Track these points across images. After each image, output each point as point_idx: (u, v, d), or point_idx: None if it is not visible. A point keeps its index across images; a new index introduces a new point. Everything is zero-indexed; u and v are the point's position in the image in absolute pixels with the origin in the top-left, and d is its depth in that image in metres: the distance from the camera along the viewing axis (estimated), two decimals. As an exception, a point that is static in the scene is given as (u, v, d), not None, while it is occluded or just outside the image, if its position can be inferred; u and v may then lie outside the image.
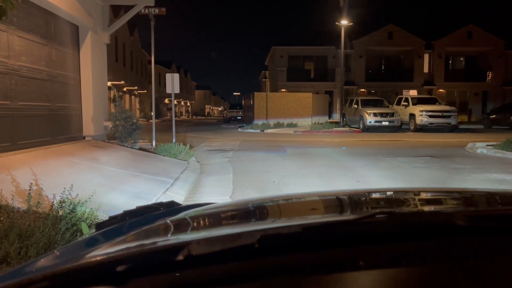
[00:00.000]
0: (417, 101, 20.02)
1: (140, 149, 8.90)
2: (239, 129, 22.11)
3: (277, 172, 7.23)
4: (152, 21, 9.85)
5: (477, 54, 32.27)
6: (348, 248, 0.66)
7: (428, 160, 8.75)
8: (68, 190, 3.51)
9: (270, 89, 33.48)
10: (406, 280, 0.62)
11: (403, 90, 30.32)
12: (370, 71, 31.89)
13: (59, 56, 8.20)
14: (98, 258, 0.73)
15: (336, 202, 1.22)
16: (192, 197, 5.50)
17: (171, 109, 39.80)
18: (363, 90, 31.58)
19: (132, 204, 3.48)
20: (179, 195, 5.29)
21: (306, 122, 23.12)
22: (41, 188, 3.89)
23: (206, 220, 1.13)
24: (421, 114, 18.43)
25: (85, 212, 3.38)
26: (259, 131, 20.12)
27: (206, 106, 79.60)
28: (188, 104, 63.45)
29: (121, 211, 1.18)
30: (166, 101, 45.87)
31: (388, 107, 20.30)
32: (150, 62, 16.75)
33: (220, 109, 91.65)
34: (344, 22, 21.62)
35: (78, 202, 3.49)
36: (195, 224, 1.06)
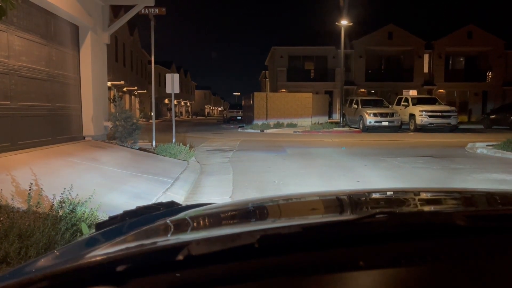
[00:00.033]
0: (417, 101, 20.02)
1: (140, 149, 8.90)
2: (239, 129, 22.11)
3: (277, 172, 7.23)
4: (152, 21, 9.85)
5: (477, 54, 32.27)
6: (348, 248, 0.66)
7: (428, 160, 8.75)
8: (68, 190, 3.51)
9: (270, 89, 33.49)
10: (406, 280, 0.62)
11: (403, 90, 30.32)
12: (370, 71, 31.89)
13: (59, 56, 8.20)
14: (98, 258, 0.73)
15: (336, 202, 1.22)
16: (192, 197, 5.50)
17: (171, 109, 39.80)
18: (363, 90, 31.59)
19: (132, 204, 3.48)
20: (179, 195, 5.29)
21: (306, 122, 23.12)
22: (41, 188, 3.89)
23: (206, 220, 1.13)
24: (421, 114, 18.43)
25: (85, 212, 3.38)
26: (259, 131, 20.12)
27: (206, 106, 79.61)
28: (188, 104, 63.45)
29: (121, 211, 1.18)
30: (166, 101, 45.87)
31: (388, 107, 20.30)
32: (150, 62, 16.75)
33: (220, 109, 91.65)
34: (344, 22, 21.62)
35: (78, 202, 3.49)
36: (195, 224, 1.06)
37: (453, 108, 19.55)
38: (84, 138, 9.11)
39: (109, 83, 14.15)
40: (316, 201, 1.31)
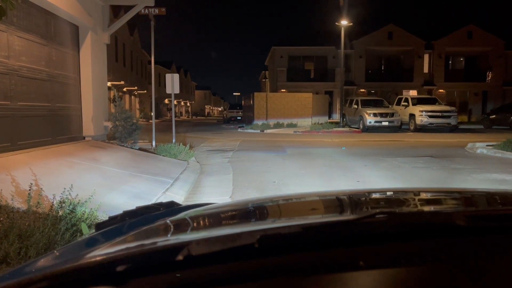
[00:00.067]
0: (417, 101, 20.01)
1: (140, 149, 8.90)
2: (239, 129, 22.11)
3: (277, 172, 7.23)
4: (152, 21, 9.85)
5: (477, 54, 32.27)
6: (348, 248, 0.66)
7: (428, 160, 8.75)
8: (68, 190, 3.51)
9: (270, 89, 33.49)
10: (406, 280, 0.62)
11: (403, 90, 30.33)
12: (370, 71, 31.90)
13: (59, 56, 8.20)
14: (98, 258, 0.73)
15: (336, 202, 1.22)
16: (192, 197, 5.50)
17: (171, 109, 39.80)
18: (363, 90, 31.59)
19: (132, 204, 3.48)
20: (179, 195, 5.29)
21: (306, 122, 23.12)
22: (41, 189, 3.89)
23: (206, 220, 1.13)
24: (421, 114, 18.43)
25: (85, 212, 3.38)
26: (259, 131, 20.12)
27: (206, 106, 79.61)
28: (188, 104, 63.45)
29: (121, 212, 1.18)
30: (166, 101, 45.88)
31: (388, 107, 20.30)
32: (150, 62, 16.75)
33: (220, 109, 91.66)
34: (344, 22, 21.62)
35: (78, 203, 3.49)
36: (195, 224, 1.06)
37: (453, 108, 19.55)
38: (84, 138, 9.11)
39: (109, 83, 14.15)
40: (316, 201, 1.31)
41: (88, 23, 8.90)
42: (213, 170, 7.64)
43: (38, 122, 7.41)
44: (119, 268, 0.64)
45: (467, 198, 1.22)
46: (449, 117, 18.45)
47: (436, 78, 31.72)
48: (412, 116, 18.97)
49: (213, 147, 12.27)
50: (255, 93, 24.45)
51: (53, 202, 3.42)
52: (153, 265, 0.65)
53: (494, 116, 21.61)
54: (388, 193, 1.39)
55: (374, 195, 1.31)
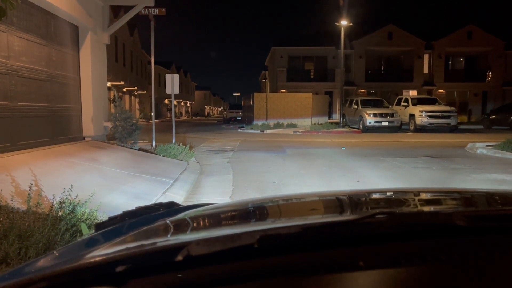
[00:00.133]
0: (417, 101, 20.02)
1: (140, 149, 8.90)
2: (239, 130, 22.11)
3: (277, 173, 7.23)
4: (152, 22, 9.85)
5: (477, 55, 32.28)
6: (348, 248, 0.66)
7: (428, 160, 8.75)
8: (67, 191, 3.51)
9: (270, 89, 33.49)
10: (406, 280, 0.62)
11: (403, 91, 30.34)
12: (370, 72, 31.90)
13: (59, 57, 8.20)
14: (98, 258, 0.73)
15: (336, 203, 1.22)
16: (192, 197, 5.50)
17: (171, 109, 39.81)
18: (363, 90, 31.59)
19: (131, 204, 3.48)
20: (178, 196, 5.29)
21: (306, 122, 23.12)
22: (41, 189, 3.89)
23: (206, 220, 1.13)
24: (421, 114, 18.44)
25: (84, 212, 3.38)
26: (259, 131, 20.12)
27: (206, 106, 79.61)
28: (188, 104, 63.46)
29: (120, 212, 1.18)
30: (166, 101, 45.88)
31: (388, 107, 20.30)
32: (150, 62, 16.76)
33: (220, 109, 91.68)
34: (344, 23, 21.63)
35: (78, 203, 3.49)
36: (195, 224, 1.05)
37: (453, 108, 19.56)
38: (84, 138, 9.11)
39: (109, 84, 14.16)
40: (316, 202, 1.31)
41: (88, 24, 8.90)
42: (213, 171, 7.64)
43: (38, 123, 7.40)
44: (119, 269, 0.64)
45: (467, 198, 1.22)
46: (449, 117, 18.45)
47: (436, 78, 31.73)
48: (412, 116, 18.98)
49: (213, 147, 12.27)
50: (255, 93, 24.45)
51: (53, 203, 3.42)
52: (153, 266, 0.65)
53: (494, 116, 21.62)
54: (388, 193, 1.39)
55: (374, 195, 1.31)
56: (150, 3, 9.59)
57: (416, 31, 31.29)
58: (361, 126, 19.37)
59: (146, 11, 9.67)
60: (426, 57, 32.06)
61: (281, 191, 5.75)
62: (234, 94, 73.12)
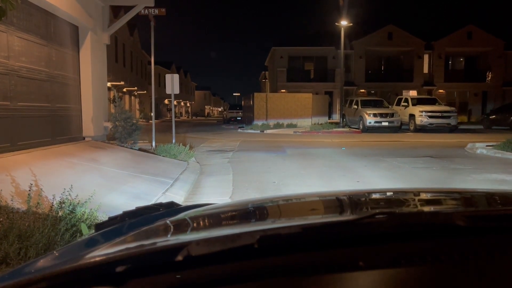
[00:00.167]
0: (417, 101, 20.02)
1: (140, 149, 8.90)
2: (239, 130, 22.11)
3: (277, 173, 7.23)
4: (152, 22, 9.85)
5: (477, 55, 32.29)
6: (348, 248, 0.66)
7: (428, 160, 8.75)
8: (67, 191, 3.51)
9: (270, 89, 33.49)
10: (406, 280, 0.62)
11: (403, 91, 30.34)
12: (370, 72, 31.90)
13: (59, 57, 8.20)
14: (98, 258, 0.73)
15: (336, 203, 1.22)
16: (192, 197, 5.49)
17: (171, 109, 39.81)
18: (363, 90, 31.60)
19: (131, 204, 3.48)
20: (178, 196, 5.29)
21: (306, 122, 23.12)
22: (41, 189, 3.89)
23: (206, 220, 1.13)
24: (421, 114, 18.44)
25: (84, 212, 3.38)
26: (259, 131, 20.12)
27: (206, 106, 79.62)
28: (188, 104, 63.46)
29: (120, 212, 1.18)
30: (166, 101, 45.89)
31: (388, 107, 20.30)
32: (150, 62, 16.77)
33: (220, 109, 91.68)
34: (344, 23, 21.63)
35: (78, 203, 3.49)
36: (194, 224, 1.05)
37: (453, 108, 19.56)
38: (84, 138, 9.11)
39: (109, 84, 14.16)
40: (316, 202, 1.31)
41: (88, 24, 8.90)
42: (213, 171, 7.64)
43: (38, 123, 7.40)
44: (119, 269, 0.64)
45: (467, 198, 1.22)
46: (449, 117, 18.45)
47: (436, 79, 31.74)
48: (412, 116, 18.98)
49: (213, 147, 12.27)
50: (255, 94, 24.45)
51: (53, 203, 3.42)
52: (153, 266, 0.65)
53: (494, 116, 21.62)
54: (388, 193, 1.39)
55: (374, 196, 1.31)
56: (150, 3, 9.59)
57: (416, 31, 31.29)
58: (361, 126, 19.37)
59: (146, 11, 9.67)
60: (426, 57, 32.06)
61: (281, 191, 5.75)
62: (234, 94, 73.18)
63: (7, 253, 2.55)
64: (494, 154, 9.69)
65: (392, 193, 1.39)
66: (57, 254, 0.93)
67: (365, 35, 30.89)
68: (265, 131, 19.94)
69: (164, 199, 4.71)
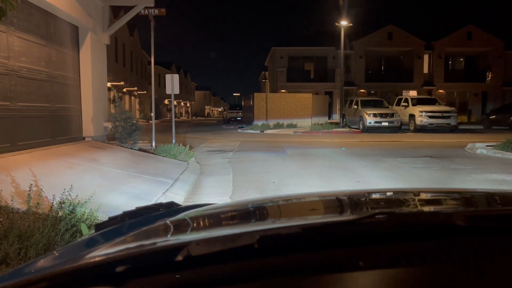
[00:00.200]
0: (417, 101, 20.02)
1: (140, 150, 8.90)
2: (239, 130, 22.12)
3: (277, 173, 7.23)
4: (152, 22, 9.85)
5: (477, 55, 32.30)
6: (348, 248, 0.66)
7: (428, 160, 8.75)
8: (67, 191, 3.51)
9: (270, 89, 33.49)
10: (406, 280, 0.62)
11: (403, 91, 30.34)
12: (370, 72, 31.91)
13: (58, 57, 8.20)
14: (98, 258, 0.73)
15: (336, 203, 1.22)
16: (192, 197, 5.49)
17: (170, 110, 39.81)
18: (363, 90, 31.60)
19: (131, 205, 3.48)
20: (178, 196, 5.29)
21: (306, 122, 23.12)
22: (41, 189, 3.89)
23: (206, 220, 1.12)
24: (421, 114, 18.44)
25: (84, 213, 3.38)
26: (259, 131, 20.12)
27: (206, 106, 79.62)
28: (188, 105, 63.46)
29: (120, 212, 1.18)
30: (166, 102, 45.89)
31: (388, 107, 20.31)
32: (150, 62, 16.76)
33: (220, 109, 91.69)
34: (344, 23, 21.63)
35: (78, 203, 3.49)
36: (194, 224, 1.05)
37: (452, 108, 19.56)
38: (84, 138, 9.11)
39: (109, 84, 14.16)
40: (316, 202, 1.31)
41: (88, 24, 8.90)
42: (213, 171, 7.64)
43: (38, 123, 7.40)
44: (119, 269, 0.64)
45: (467, 198, 1.22)
46: (449, 117, 18.45)
47: (436, 79, 31.74)
48: (412, 116, 18.98)
49: (213, 147, 12.27)
50: (255, 94, 24.45)
51: (53, 203, 3.42)
52: (153, 266, 0.65)
53: (493, 116, 21.63)
54: (388, 194, 1.39)
55: (374, 196, 1.31)
56: (150, 3, 9.59)
57: (416, 31, 31.30)
58: (361, 126, 19.37)
59: (146, 11, 9.67)
60: (426, 57, 32.06)
61: (281, 191, 5.75)
62: (234, 94, 73.15)
63: (7, 253, 2.55)
64: (494, 154, 9.68)
65: (392, 193, 1.39)
66: (57, 254, 0.93)
67: (365, 35, 30.89)
68: (265, 131, 19.94)
69: (164, 199, 4.71)
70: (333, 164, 8.26)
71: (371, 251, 0.65)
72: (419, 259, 0.63)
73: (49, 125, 7.77)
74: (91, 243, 0.98)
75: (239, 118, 32.35)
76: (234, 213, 1.20)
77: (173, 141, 10.11)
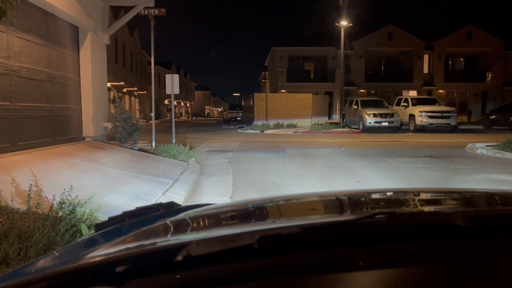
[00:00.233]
0: (417, 101, 20.02)
1: (140, 150, 8.90)
2: (239, 130, 22.12)
3: (277, 173, 7.23)
4: (152, 22, 9.85)
5: (477, 55, 32.29)
6: (348, 248, 0.66)
7: (428, 160, 8.75)
8: (67, 191, 3.51)
9: (270, 90, 33.50)
10: (406, 280, 0.62)
11: (403, 91, 30.34)
12: (370, 72, 31.91)
13: (58, 57, 8.20)
14: (97, 258, 0.73)
15: (336, 203, 1.22)
16: (192, 197, 5.49)
17: (170, 110, 39.81)
18: (363, 90, 31.60)
19: (131, 205, 3.48)
20: (178, 196, 5.29)
21: (306, 122, 23.12)
22: (41, 189, 3.89)
23: (206, 220, 1.12)
24: (421, 114, 18.44)
25: (84, 213, 3.38)
26: (259, 131, 20.12)
27: (206, 107, 79.62)
28: (188, 105, 63.46)
29: (120, 212, 1.18)
30: (166, 102, 45.89)
31: (388, 107, 20.31)
32: (150, 63, 16.77)
33: (220, 110, 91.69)
34: (344, 23, 21.63)
35: (78, 203, 3.49)
36: (194, 224, 1.05)
37: (452, 108, 19.56)
38: (84, 139, 9.11)
39: (109, 84, 14.16)
40: (316, 202, 1.31)
41: (88, 24, 8.90)
42: (213, 171, 7.64)
43: (38, 123, 7.40)
44: (119, 269, 0.64)
45: (467, 198, 1.22)
46: (449, 117, 18.46)
47: (436, 79, 31.74)
48: (412, 116, 18.98)
49: (213, 147, 12.27)
50: (255, 94, 24.45)
51: (53, 203, 3.42)
52: (153, 266, 0.65)
53: (493, 116, 21.63)
54: (388, 194, 1.39)
55: (374, 196, 1.31)
56: (150, 3, 9.59)
57: (416, 31, 31.30)
58: (361, 127, 19.37)
59: (146, 11, 9.67)
60: (426, 57, 32.07)
61: (281, 191, 5.75)
62: (234, 94, 73.16)
63: (7, 254, 2.55)
64: (494, 154, 9.68)
65: (392, 193, 1.39)
66: (57, 254, 0.93)
67: (365, 35, 30.89)
68: (265, 131, 19.94)
69: (164, 199, 4.71)
70: (333, 164, 8.26)
71: (371, 251, 0.65)
72: (419, 259, 0.63)
73: (49, 125, 7.77)
74: (91, 243, 0.98)
75: (239, 118, 32.35)
76: (234, 213, 1.20)
77: (173, 141, 10.11)
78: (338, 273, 0.62)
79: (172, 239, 0.89)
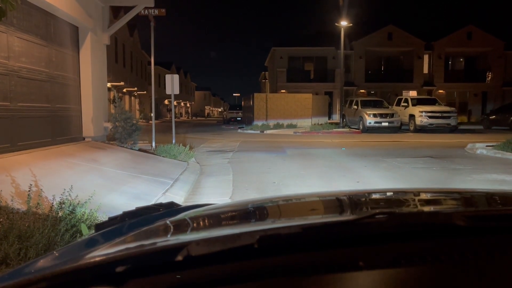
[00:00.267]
0: (417, 102, 20.02)
1: (140, 150, 8.90)
2: (239, 130, 22.12)
3: (277, 173, 7.23)
4: (152, 22, 9.85)
5: (477, 55, 32.30)
6: (348, 248, 0.66)
7: (428, 160, 8.75)
8: (67, 191, 3.51)
9: (270, 90, 33.50)
10: (406, 280, 0.62)
11: (403, 91, 30.35)
12: (369, 72, 31.91)
13: (59, 57, 8.20)
14: (97, 258, 0.73)
15: (336, 203, 1.22)
16: (192, 198, 5.49)
17: (170, 110, 39.82)
18: (363, 91, 31.60)
19: (131, 205, 3.47)
20: (178, 196, 5.29)
21: (306, 123, 23.12)
22: (41, 189, 3.89)
23: (206, 220, 1.12)
24: (421, 115, 18.44)
25: (84, 213, 3.38)
26: (258, 132, 20.12)
27: (206, 107, 79.63)
28: (188, 105, 63.46)
29: (120, 212, 1.18)
30: (166, 102, 45.89)
31: (388, 108, 20.31)
32: (150, 63, 16.76)
33: (220, 110, 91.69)
34: (344, 23, 21.63)
35: (78, 203, 3.49)
36: (194, 224, 1.05)
37: (452, 108, 19.56)
38: (84, 139, 9.11)
39: (109, 84, 14.16)
40: (316, 202, 1.31)
41: (88, 24, 8.90)
42: (213, 171, 7.64)
43: (38, 123, 7.40)
44: (119, 269, 0.64)
45: (467, 198, 1.22)
46: (449, 117, 18.46)
47: (436, 79, 31.74)
48: (412, 116, 18.98)
49: (213, 147, 12.27)
50: (255, 94, 24.45)
51: (53, 203, 3.42)
52: (153, 266, 0.65)
53: (493, 116, 21.63)
54: (388, 194, 1.39)
55: (374, 196, 1.31)
56: (150, 3, 9.59)
57: (416, 32, 31.30)
58: (361, 127, 19.37)
59: (146, 11, 9.67)
60: (426, 58, 32.07)
61: (281, 191, 5.75)
62: (234, 94, 73.22)
63: (7, 254, 2.55)
64: (494, 155, 9.68)
65: (392, 193, 1.39)
66: (57, 254, 0.93)
67: (365, 35, 30.89)
68: (265, 132, 19.94)
69: (164, 200, 4.71)
70: (333, 164, 8.26)
71: (371, 251, 0.65)
72: (419, 259, 0.63)
73: (49, 125, 7.77)
74: (91, 243, 0.98)
75: (239, 118, 32.35)
76: (234, 213, 1.20)
77: (173, 141, 10.11)
78: (338, 273, 0.62)
79: (172, 239, 0.89)
